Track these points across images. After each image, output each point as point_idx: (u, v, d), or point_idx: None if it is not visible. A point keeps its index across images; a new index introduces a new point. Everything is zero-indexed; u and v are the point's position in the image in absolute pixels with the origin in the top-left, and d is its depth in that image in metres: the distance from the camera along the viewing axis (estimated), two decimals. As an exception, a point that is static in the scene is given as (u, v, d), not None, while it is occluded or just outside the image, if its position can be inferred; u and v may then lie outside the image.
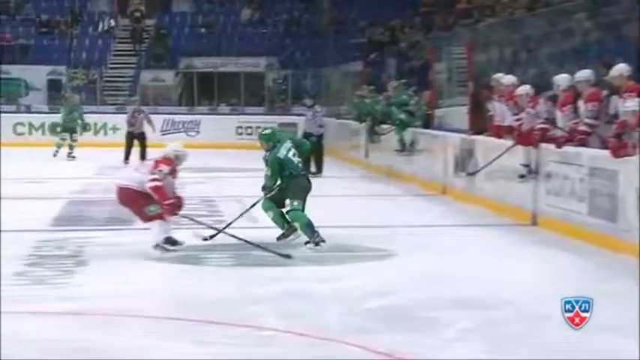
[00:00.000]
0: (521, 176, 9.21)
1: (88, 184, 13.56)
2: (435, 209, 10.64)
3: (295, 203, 7.90)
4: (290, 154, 8.01)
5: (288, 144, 8.08)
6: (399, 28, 22.96)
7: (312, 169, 14.86)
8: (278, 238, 7.95)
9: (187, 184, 9.75)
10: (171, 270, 6.99)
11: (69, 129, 18.48)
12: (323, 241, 7.72)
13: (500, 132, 10.16)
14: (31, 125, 22.56)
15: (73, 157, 18.16)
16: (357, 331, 5.07)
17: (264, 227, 8.14)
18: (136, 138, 17.20)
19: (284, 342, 4.91)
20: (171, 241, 7.61)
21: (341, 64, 21.95)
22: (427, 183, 12.62)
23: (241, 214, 8.17)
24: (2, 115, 22.58)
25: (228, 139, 21.91)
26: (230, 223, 7.96)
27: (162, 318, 5.34)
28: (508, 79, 10.15)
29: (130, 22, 27.11)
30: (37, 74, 24.67)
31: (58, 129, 19.06)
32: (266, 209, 8.11)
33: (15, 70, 24.67)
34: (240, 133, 22.81)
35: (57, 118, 22.40)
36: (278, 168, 7.96)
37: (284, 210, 8.01)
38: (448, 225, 9.40)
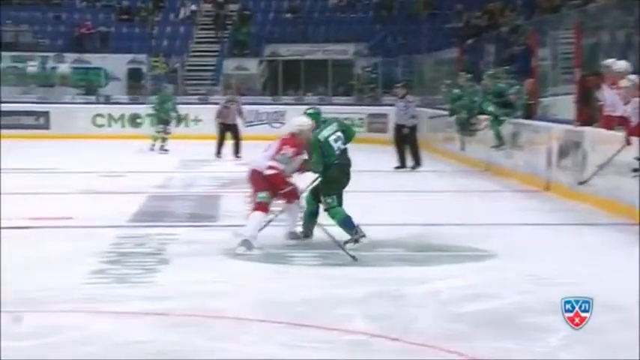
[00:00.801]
0: (635, 170, 8.97)
1: (169, 178, 13.82)
2: (536, 206, 10.49)
3: (329, 200, 7.79)
4: (331, 138, 7.83)
5: (333, 126, 7.90)
6: (499, 11, 22.70)
7: (409, 162, 14.82)
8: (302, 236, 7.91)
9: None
10: (256, 269, 7.07)
11: (162, 121, 18.65)
12: (363, 235, 7.68)
13: (611, 123, 9.93)
14: (110, 117, 23.04)
15: (166, 150, 18.34)
16: (454, 336, 5.04)
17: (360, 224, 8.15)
18: (229, 130, 17.18)
19: (376, 347, 4.91)
20: (295, 236, 7.81)
21: (435, 50, 21.80)
22: (528, 178, 12.44)
23: (279, 212, 8.15)
24: (82, 106, 23.22)
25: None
26: (270, 221, 7.95)
27: (246, 319, 5.41)
28: (620, 65, 9.92)
29: (213, 8, 27.48)
30: (116, 63, 25.18)
31: (151, 121, 19.11)
32: (306, 202, 7.99)
33: (95, 59, 25.27)
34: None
35: (137, 109, 23.00)
36: (319, 151, 7.76)
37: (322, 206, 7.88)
38: (551, 224, 9.26)
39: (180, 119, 18.71)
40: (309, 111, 8.21)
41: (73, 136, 21.60)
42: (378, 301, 5.86)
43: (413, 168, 14.78)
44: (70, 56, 25.04)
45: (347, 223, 7.74)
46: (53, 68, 24.89)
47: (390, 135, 16.97)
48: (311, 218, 7.96)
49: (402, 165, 14.90)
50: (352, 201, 10.16)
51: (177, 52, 26.16)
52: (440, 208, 10.53)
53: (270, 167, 7.66)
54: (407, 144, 14.99)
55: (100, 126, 22.81)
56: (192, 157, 17.35)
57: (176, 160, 16.84)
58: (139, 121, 22.91)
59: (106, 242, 7.99)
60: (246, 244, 7.58)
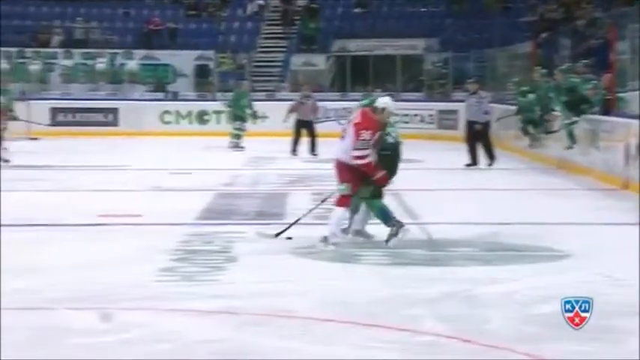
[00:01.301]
0: None
1: (236, 175, 13.94)
2: (614, 205, 10.32)
3: (364, 191, 7.83)
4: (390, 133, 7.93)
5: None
6: (575, 3, 22.34)
7: (482, 160, 14.70)
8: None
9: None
10: (325, 268, 7.08)
11: (238, 118, 18.74)
12: (402, 225, 7.69)
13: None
14: (178, 113, 23.31)
15: (242, 147, 18.43)
16: (528, 339, 4.99)
17: (424, 223, 8.12)
18: (304, 127, 17.08)
19: (447, 349, 4.88)
20: (365, 235, 7.80)
21: (508, 44, 21.58)
22: (606, 176, 12.24)
23: (312, 209, 8.16)
24: (150, 102, 23.54)
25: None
26: (297, 219, 7.96)
27: (314, 319, 5.42)
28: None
29: (280, 3, 27.58)
30: (184, 59, 25.47)
31: (227, 117, 19.17)
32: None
33: (162, 56, 25.60)
34: (397, 121, 22.80)
35: (204, 105, 23.25)
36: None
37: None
38: (629, 223, 9.09)
39: (256, 116, 18.72)
40: (363, 101, 8.24)
41: (142, 132, 21.93)
42: (450, 301, 5.83)
43: (489, 165, 14.66)
44: (138, 53, 25.40)
45: (383, 213, 7.80)
46: (122, 65, 25.28)
47: (460, 132, 16.86)
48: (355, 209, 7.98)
49: (474, 162, 14.78)
50: (422, 199, 10.16)
51: (244, 48, 26.33)
52: (513, 206, 10.43)
53: (357, 157, 7.64)
54: (479, 141, 14.86)
55: (168, 123, 23.11)
56: (260, 154, 17.47)
57: (243, 157, 16.97)
58: (206, 117, 23.17)
59: (174, 240, 8.08)
60: (326, 240, 7.67)
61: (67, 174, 13.75)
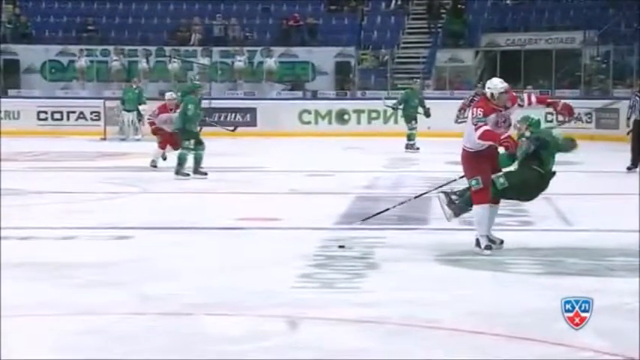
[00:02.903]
0: None
1: (376, 177, 13.98)
2: None
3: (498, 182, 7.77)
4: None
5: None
6: None
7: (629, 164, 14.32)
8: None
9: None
10: (471, 276, 7.04)
11: (410, 118, 18.69)
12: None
13: None
14: (317, 112, 23.54)
15: (417, 148, 18.41)
16: (696, 357, 4.82)
17: (579, 230, 7.96)
18: None
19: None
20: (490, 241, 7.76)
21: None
22: None
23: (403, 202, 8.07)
24: (288, 102, 23.87)
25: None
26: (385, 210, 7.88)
27: (463, 331, 5.39)
28: None
29: (425, -3, 27.48)
30: (324, 56, 25.67)
31: (404, 118, 18.98)
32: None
33: (302, 53, 25.88)
34: (550, 120, 22.36)
35: (344, 104, 23.39)
36: None
37: None
38: None
39: (429, 113, 18.53)
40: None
41: (280, 133, 22.27)
42: (609, 315, 5.68)
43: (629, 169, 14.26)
44: (277, 50, 25.76)
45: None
46: (260, 63, 25.71)
47: (621, 131, 16.38)
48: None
49: (635, 165, 14.37)
50: (577, 204, 9.94)
51: (387, 44, 26.35)
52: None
53: (475, 130, 7.56)
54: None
55: (307, 123, 23.36)
56: (401, 155, 17.46)
57: (384, 158, 17.00)
58: (346, 117, 23.33)
59: (312, 245, 8.17)
60: (479, 243, 7.69)
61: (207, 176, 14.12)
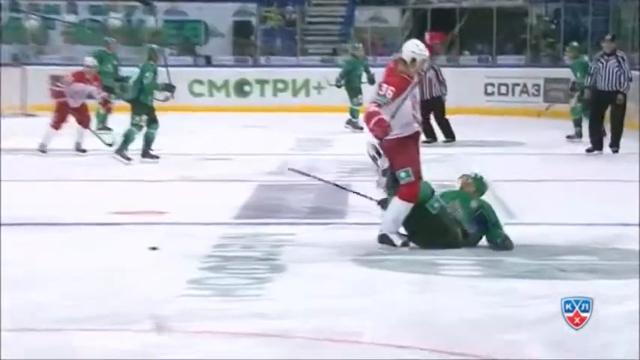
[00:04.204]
0: None
1: (284, 162, 13.98)
2: None
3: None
4: None
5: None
6: None
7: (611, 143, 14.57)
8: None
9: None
10: (397, 280, 7.08)
11: (354, 91, 18.66)
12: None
13: None
14: (211, 83, 23.39)
15: (360, 127, 18.32)
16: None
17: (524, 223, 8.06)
18: (431, 108, 16.41)
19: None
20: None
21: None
22: None
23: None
24: (176, 69, 23.58)
25: (474, 102, 21.87)
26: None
27: (388, 345, 5.42)
28: None
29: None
30: (219, 14, 25.45)
31: (348, 92, 18.96)
32: None
33: (192, 10, 25.61)
34: (491, 93, 22.74)
35: (245, 73, 23.29)
36: None
37: None
38: None
39: (373, 80, 18.42)
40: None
41: (165, 107, 21.93)
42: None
43: (615, 151, 14.48)
44: (161, 6, 25.38)
45: None
46: (141, 22, 25.41)
47: (573, 105, 16.65)
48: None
49: (598, 147, 14.60)
50: (523, 192, 10.08)
51: (295, 0, 26.29)
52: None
53: (369, 116, 7.76)
54: (615, 118, 14.60)
55: (199, 95, 23.18)
56: (313, 135, 17.49)
57: (292, 138, 17.01)
58: (246, 89, 23.27)
59: (205, 243, 8.15)
60: (385, 240, 7.78)
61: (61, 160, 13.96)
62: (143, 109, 13.84)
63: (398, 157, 7.90)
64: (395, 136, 7.87)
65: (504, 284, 6.93)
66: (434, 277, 7.22)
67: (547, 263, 7.47)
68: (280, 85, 23.14)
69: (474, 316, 6.01)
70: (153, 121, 13.83)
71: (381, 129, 7.73)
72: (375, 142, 7.86)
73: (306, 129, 18.05)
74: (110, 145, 14.33)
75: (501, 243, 7.88)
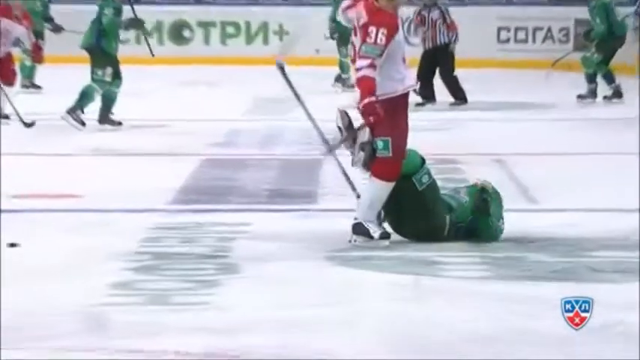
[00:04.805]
0: None
1: (234, 130, 14.02)
2: None
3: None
4: None
5: None
6: None
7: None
8: None
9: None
10: (382, 282, 7.15)
11: (342, 37, 18.37)
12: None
13: None
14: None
15: (352, 85, 18.23)
16: None
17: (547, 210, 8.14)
18: (436, 60, 16.92)
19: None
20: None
21: None
22: None
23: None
24: (89, 7, 23.52)
25: (483, 51, 21.91)
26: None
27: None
28: None
29: None
30: None
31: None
32: None
33: None
34: (505, 40, 22.79)
35: (183, 12, 23.16)
36: None
37: None
38: None
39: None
40: None
41: (76, 58, 21.87)
42: (593, 338, 5.85)
43: None
44: None
45: None
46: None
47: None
48: None
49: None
50: (548, 170, 10.14)
51: None
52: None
53: (357, 70, 7.87)
54: None
55: (123, 42, 22.98)
56: (275, 95, 17.48)
57: (246, 99, 17.02)
58: (186, 34, 23.22)
59: (133, 237, 8.19)
60: (360, 230, 7.85)
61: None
62: (105, 59, 13.74)
63: (379, 123, 7.96)
64: (381, 95, 7.91)
65: (522, 289, 6.98)
66: (431, 280, 7.25)
67: (576, 261, 7.55)
68: (231, 30, 23.12)
69: (483, 331, 6.05)
70: (115, 76, 13.75)
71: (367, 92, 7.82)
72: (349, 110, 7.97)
73: (264, 88, 18.04)
74: (29, 125, 14.08)
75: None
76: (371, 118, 7.80)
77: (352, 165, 8.21)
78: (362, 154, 7.99)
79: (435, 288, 7.09)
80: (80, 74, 14.59)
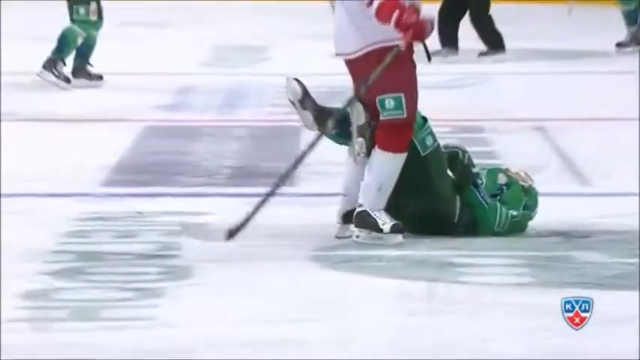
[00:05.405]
0: None
1: (187, 88, 14.05)
2: None
3: None
4: None
5: None
6: None
7: None
8: None
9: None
10: (386, 291, 7.19)
11: None
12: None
13: None
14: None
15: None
16: None
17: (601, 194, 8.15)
18: None
19: None
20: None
21: None
22: None
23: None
24: None
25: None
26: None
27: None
28: None
29: None
30: None
31: None
32: None
33: None
34: None
35: None
36: None
37: None
38: None
39: None
40: None
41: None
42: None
43: None
44: None
45: None
46: None
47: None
48: None
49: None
50: (605, 140, 10.20)
51: None
52: None
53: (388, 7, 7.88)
54: None
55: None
56: (242, 41, 17.57)
57: (205, 47, 17.06)
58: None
59: (52, 229, 8.24)
60: (365, 223, 7.95)
61: None
62: None
63: (382, 77, 7.94)
64: (378, 46, 7.95)
65: (570, 295, 6.99)
66: (448, 287, 7.31)
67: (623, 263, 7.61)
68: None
69: (516, 354, 6.10)
70: (98, 17, 13.86)
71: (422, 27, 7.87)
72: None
73: (228, 30, 18.11)
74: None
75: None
76: (411, 31, 7.81)
77: (355, 161, 8.14)
78: (361, 140, 7.95)
79: (453, 298, 7.10)
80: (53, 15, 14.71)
